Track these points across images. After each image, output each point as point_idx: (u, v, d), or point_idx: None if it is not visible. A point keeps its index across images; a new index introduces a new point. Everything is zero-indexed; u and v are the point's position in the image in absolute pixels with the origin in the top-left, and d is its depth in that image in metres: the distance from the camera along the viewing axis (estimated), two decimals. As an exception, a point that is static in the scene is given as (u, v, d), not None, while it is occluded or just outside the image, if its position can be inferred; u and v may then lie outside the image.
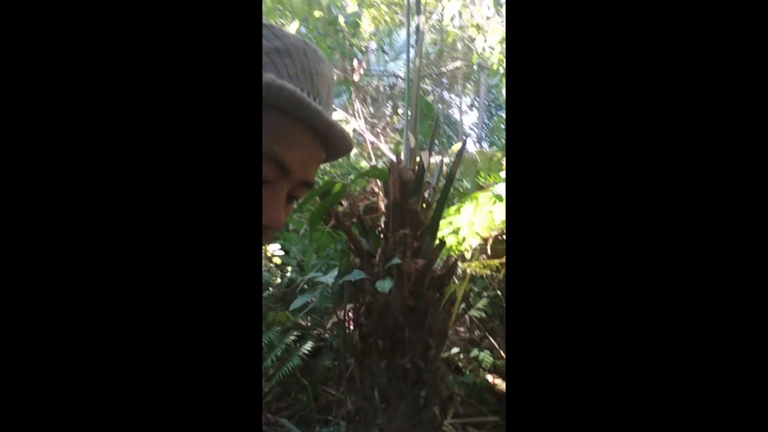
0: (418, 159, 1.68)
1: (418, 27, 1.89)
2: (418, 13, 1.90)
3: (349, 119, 3.57)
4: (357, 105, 3.67)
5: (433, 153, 1.80)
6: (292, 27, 4.01)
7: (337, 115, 3.55)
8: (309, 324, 2.57)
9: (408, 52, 1.91)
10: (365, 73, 3.97)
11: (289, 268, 2.90)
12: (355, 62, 3.75)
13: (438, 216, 1.61)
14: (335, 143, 0.37)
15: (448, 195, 1.62)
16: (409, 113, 1.80)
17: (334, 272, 1.67)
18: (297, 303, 1.71)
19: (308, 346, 2.33)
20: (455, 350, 2.41)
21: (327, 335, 2.53)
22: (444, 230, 2.05)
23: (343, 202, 2.03)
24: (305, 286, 1.93)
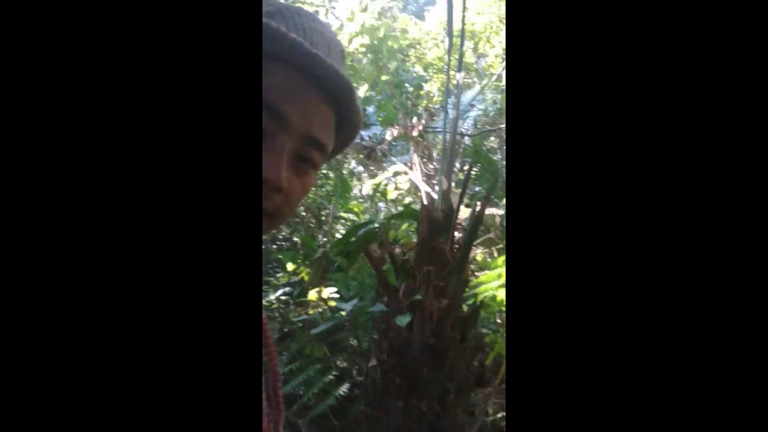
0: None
1: (457, 83, 2.03)
2: (459, 70, 2.05)
3: (408, 172, 3.77)
4: (415, 159, 3.87)
5: (465, 199, 1.86)
6: (362, 90, 4.47)
7: (397, 168, 3.76)
8: (343, 363, 2.58)
9: (446, 105, 2.04)
10: (425, 130, 4.20)
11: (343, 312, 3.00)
12: (415, 120, 4.01)
13: (464, 257, 1.61)
14: (334, 89, 0.34)
15: (474, 237, 1.63)
16: (445, 157, 1.89)
17: (353, 302, 1.72)
18: (318, 329, 1.78)
19: (344, 387, 2.33)
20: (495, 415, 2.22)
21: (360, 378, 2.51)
22: (493, 282, 2.01)
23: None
24: (328, 315, 2.00)
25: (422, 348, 1.48)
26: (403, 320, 1.40)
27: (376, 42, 4.17)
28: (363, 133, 4.90)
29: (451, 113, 1.97)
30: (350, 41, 4.27)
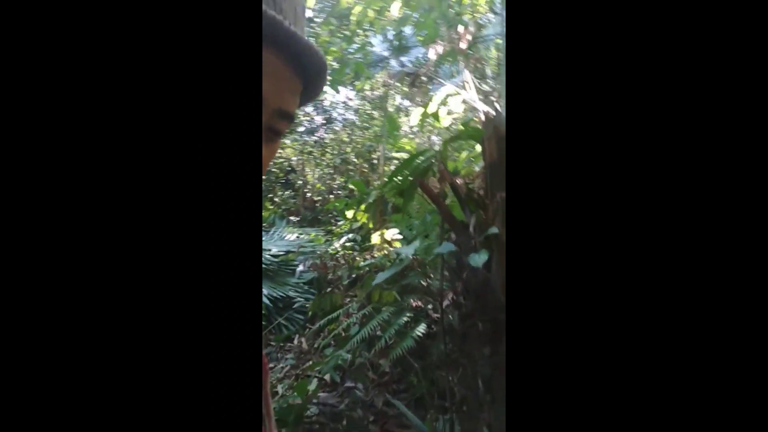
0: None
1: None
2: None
3: (460, 92, 3.33)
4: (466, 75, 3.40)
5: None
6: (394, 9, 3.94)
7: (447, 89, 3.35)
8: (417, 302, 2.49)
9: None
10: (474, 41, 3.65)
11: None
12: (461, 29, 3.47)
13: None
14: (305, 60, 0.34)
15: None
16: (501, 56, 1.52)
17: (415, 244, 1.52)
18: (379, 278, 1.63)
19: (422, 328, 2.25)
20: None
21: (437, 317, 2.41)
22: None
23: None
24: (392, 261, 1.84)
25: (505, 288, 1.26)
26: (479, 259, 1.17)
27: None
28: (403, 58, 4.44)
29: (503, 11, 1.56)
30: (373, -48, 3.71)
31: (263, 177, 0.37)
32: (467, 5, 4.05)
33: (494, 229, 1.23)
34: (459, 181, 1.53)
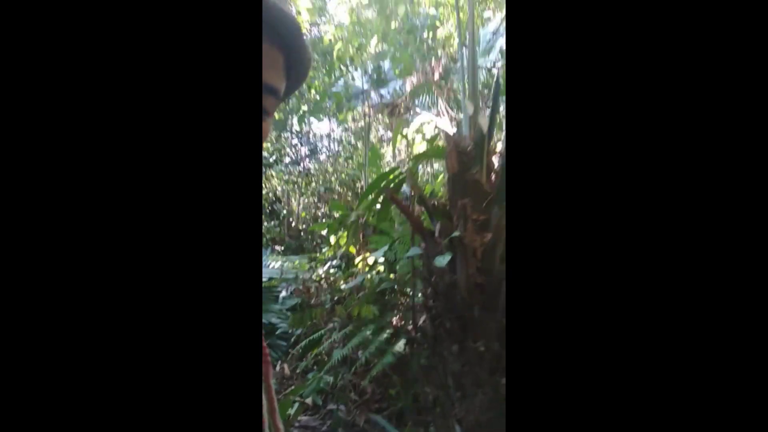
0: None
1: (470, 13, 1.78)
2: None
3: (434, 119, 3.53)
4: (441, 104, 3.61)
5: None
6: (372, 45, 4.21)
7: (423, 117, 3.54)
8: (401, 321, 2.53)
9: (460, 30, 1.82)
10: (446, 72, 3.90)
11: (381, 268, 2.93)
12: (434, 62, 3.73)
13: (502, 181, 1.44)
14: (281, 30, 0.33)
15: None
16: (467, 83, 1.69)
17: (383, 249, 1.61)
18: (350, 284, 1.69)
19: (402, 343, 2.28)
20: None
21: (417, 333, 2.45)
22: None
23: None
24: (375, 281, 1.91)
25: (469, 287, 1.35)
26: (442, 260, 1.27)
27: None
28: (382, 90, 4.67)
29: (469, 44, 1.74)
30: (352, -6, 4.00)
31: None
32: (440, 41, 4.35)
33: (456, 233, 1.33)
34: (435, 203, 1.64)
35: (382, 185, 1.70)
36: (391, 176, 1.68)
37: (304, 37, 0.35)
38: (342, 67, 4.53)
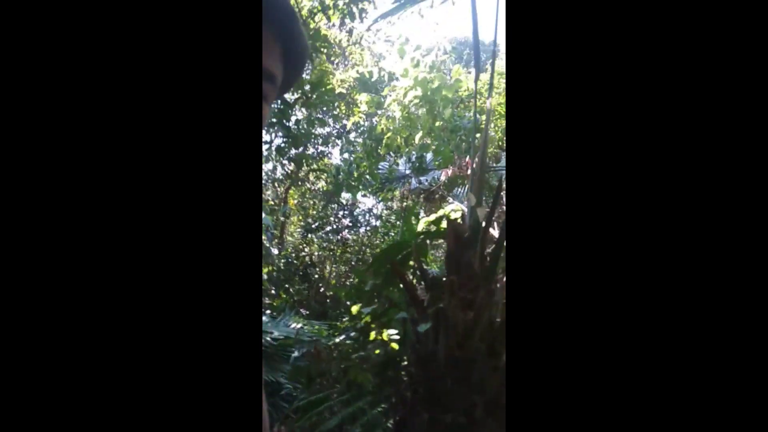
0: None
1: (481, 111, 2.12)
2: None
3: (463, 207, 3.80)
4: (471, 196, 3.89)
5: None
6: (417, 137, 4.73)
7: (452, 206, 3.82)
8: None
9: (473, 134, 2.12)
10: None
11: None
12: (467, 159, 4.09)
13: (493, 269, 1.60)
14: (274, 15, 0.33)
15: (500, 250, 1.62)
16: (474, 181, 1.94)
17: (374, 306, 1.75)
18: (359, 354, 1.81)
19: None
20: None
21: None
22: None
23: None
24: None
25: (447, 359, 1.46)
26: (424, 327, 1.41)
27: (429, 93, 4.46)
28: (421, 178, 5.09)
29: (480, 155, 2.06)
30: (405, 94, 4.64)
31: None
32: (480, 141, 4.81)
33: (440, 304, 1.48)
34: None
35: (390, 256, 1.91)
36: (401, 249, 1.89)
37: (301, 25, 0.35)
38: (390, 154, 5.08)
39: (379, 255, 1.90)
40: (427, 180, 4.96)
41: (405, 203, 5.60)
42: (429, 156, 4.99)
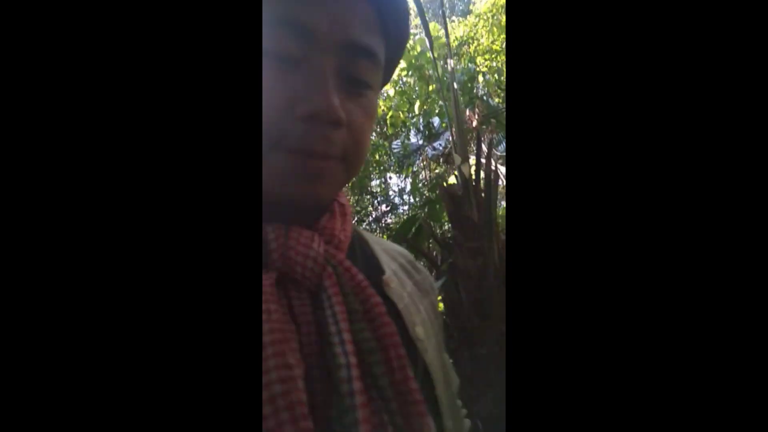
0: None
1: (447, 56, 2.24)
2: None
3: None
4: (483, 148, 3.98)
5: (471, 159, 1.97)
6: (416, 106, 4.82)
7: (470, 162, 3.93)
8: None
9: (453, 85, 2.26)
10: (484, 117, 4.29)
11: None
12: (468, 113, 4.16)
13: (488, 214, 1.77)
14: None
15: (490, 193, 1.79)
16: (455, 136, 2.10)
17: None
18: None
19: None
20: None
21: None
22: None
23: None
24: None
25: (469, 302, 1.67)
26: (438, 282, 1.63)
27: (414, 61, 4.52)
28: (435, 144, 5.18)
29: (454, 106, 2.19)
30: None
31: (365, 151, 0.31)
32: (484, 86, 4.77)
33: (450, 259, 1.69)
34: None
35: (405, 229, 2.13)
36: (412, 225, 2.11)
37: None
38: (401, 130, 5.21)
39: (393, 238, 2.14)
40: (441, 144, 5.03)
41: (429, 173, 5.74)
42: (436, 121, 5.05)
